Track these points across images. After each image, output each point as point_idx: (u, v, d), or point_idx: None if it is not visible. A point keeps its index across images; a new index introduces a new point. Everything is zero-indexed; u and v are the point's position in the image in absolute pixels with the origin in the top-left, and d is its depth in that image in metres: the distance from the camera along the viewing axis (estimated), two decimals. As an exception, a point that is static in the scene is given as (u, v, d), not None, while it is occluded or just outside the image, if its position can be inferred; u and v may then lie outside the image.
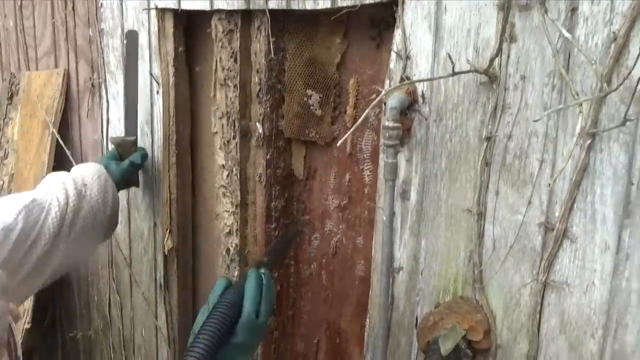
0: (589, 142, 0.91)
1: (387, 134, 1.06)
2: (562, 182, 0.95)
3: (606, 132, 0.90)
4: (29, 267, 1.16)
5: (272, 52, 1.32)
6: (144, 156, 1.55)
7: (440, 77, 1.01)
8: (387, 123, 1.05)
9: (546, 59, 0.95)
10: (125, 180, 1.53)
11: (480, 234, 1.06)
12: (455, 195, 1.09)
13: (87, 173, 1.37)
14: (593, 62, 0.85)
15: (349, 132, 0.92)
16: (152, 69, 1.57)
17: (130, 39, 1.53)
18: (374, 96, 1.27)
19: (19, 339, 0.77)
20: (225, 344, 0.92)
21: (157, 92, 1.57)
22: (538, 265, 1.00)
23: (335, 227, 1.43)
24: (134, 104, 1.54)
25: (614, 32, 0.87)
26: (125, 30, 1.59)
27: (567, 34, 0.87)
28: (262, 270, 1.06)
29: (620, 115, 0.88)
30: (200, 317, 0.98)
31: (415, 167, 1.13)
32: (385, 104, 1.10)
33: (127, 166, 1.51)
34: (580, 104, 0.79)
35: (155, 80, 1.56)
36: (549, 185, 0.92)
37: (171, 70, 1.54)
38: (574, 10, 0.91)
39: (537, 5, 0.93)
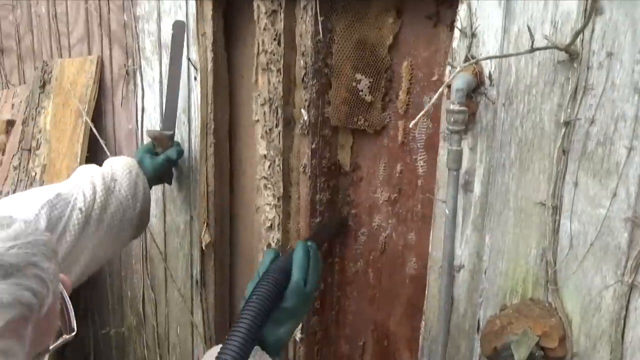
0: (689, 126, 0.80)
1: (452, 119, 0.96)
2: (654, 172, 0.84)
3: None
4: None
5: (320, 33, 1.23)
6: (180, 152, 1.48)
7: (515, 54, 0.91)
8: (452, 106, 0.95)
9: (638, 33, 0.83)
10: (159, 176, 1.47)
11: (555, 229, 0.96)
12: (526, 187, 0.98)
13: (118, 167, 1.31)
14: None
15: (420, 114, 0.82)
16: (189, 53, 1.49)
17: (177, 30, 1.45)
18: (434, 78, 1.17)
19: (71, 309, 0.74)
20: (276, 308, 0.93)
21: (195, 79, 1.49)
22: (623, 266, 0.89)
23: (385, 222, 1.33)
24: (175, 99, 1.47)
25: None
26: (172, 20, 1.50)
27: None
28: (309, 243, 1.05)
29: None
30: (250, 286, 0.97)
31: (480, 156, 1.03)
32: (449, 86, 1.00)
33: (162, 161, 1.44)
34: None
35: (193, 66, 1.48)
36: None
37: (209, 55, 1.46)
38: (673, -25, 0.79)
39: (630, -29, 0.82)
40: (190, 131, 1.55)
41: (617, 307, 0.90)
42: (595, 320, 0.93)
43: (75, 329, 0.74)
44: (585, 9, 0.86)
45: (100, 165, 1.33)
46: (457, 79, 0.96)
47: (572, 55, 0.89)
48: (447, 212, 1.01)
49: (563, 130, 0.92)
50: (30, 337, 0.63)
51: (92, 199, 1.19)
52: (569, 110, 0.91)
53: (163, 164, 1.43)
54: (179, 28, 1.44)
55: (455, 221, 1.02)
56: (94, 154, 1.81)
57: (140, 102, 1.68)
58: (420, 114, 0.81)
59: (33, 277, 0.63)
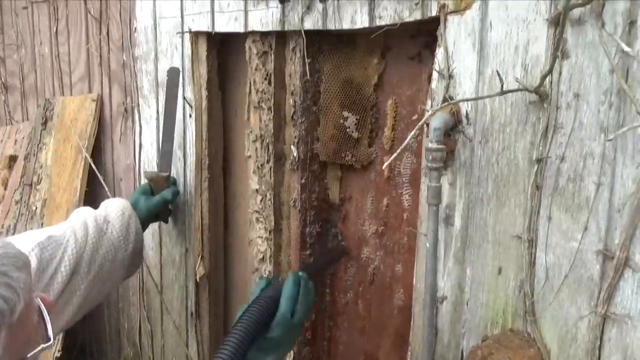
0: (652, 163, 0.85)
1: (430, 156, 1.00)
2: (621, 206, 0.88)
3: (671, 153, 0.83)
4: None
5: (308, 74, 1.29)
6: (176, 193, 1.53)
7: (488, 96, 0.96)
8: (430, 145, 1.00)
9: (602, 75, 0.89)
10: (154, 216, 1.51)
11: (531, 262, 0.99)
12: (503, 220, 1.02)
13: (112, 209, 1.36)
14: (657, 77, 0.79)
15: (394, 155, 0.86)
16: (185, 92, 1.55)
17: (172, 76, 1.52)
18: (415, 117, 1.22)
19: (48, 320, 0.80)
20: (260, 338, 0.96)
21: (190, 116, 1.55)
22: (596, 297, 0.92)
23: (373, 254, 1.37)
24: (170, 141, 1.52)
25: (678, 46, 0.81)
26: (168, 60, 1.57)
27: (627, 48, 0.81)
28: (301, 273, 1.08)
29: (687, 134, 0.82)
30: (240, 312, 1.01)
31: (460, 191, 1.08)
32: (427, 125, 1.05)
33: (157, 202, 1.49)
34: (648, 122, 0.73)
35: (189, 104, 1.54)
36: (619, 211, 0.85)
37: (204, 93, 1.52)
38: (632, 23, 0.85)
39: (592, 19, 0.88)
40: (185, 166, 1.60)
41: (592, 337, 0.93)
42: (572, 350, 0.96)
43: (52, 338, 0.78)
44: (552, 54, 0.92)
45: (98, 205, 1.37)
46: (435, 118, 1.01)
47: (542, 96, 0.94)
48: (428, 245, 1.05)
49: (536, 167, 0.96)
50: (4, 343, 0.68)
51: (84, 241, 1.23)
52: (540, 148, 0.96)
53: (158, 205, 1.48)
54: (174, 74, 1.50)
55: (436, 254, 1.06)
56: (92, 189, 1.86)
57: (138, 139, 1.74)
58: (393, 155, 0.86)
59: (2, 285, 0.68)
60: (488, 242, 1.05)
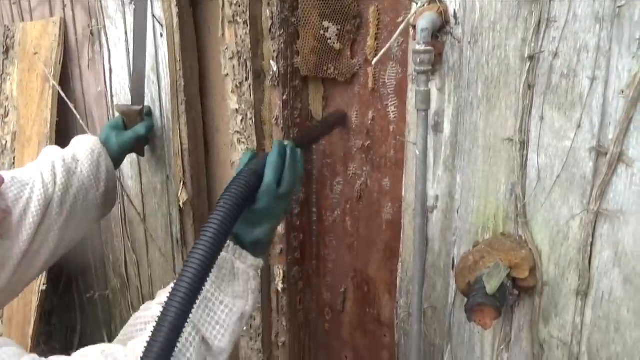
0: (649, 52, 0.82)
1: (418, 59, 0.96)
2: (615, 100, 0.86)
3: (669, 41, 0.80)
4: (24, 246, 1.11)
5: (284, -19, 1.21)
6: (149, 128, 1.47)
7: None
8: (418, 47, 0.95)
9: (598, -38, 0.84)
10: (128, 151, 1.45)
11: (523, 164, 0.98)
12: (494, 124, 1.00)
13: (81, 147, 1.30)
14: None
15: (381, 53, 0.82)
16: (153, 10, 1.46)
17: (140, 7, 1.42)
18: (400, 19, 1.16)
19: None
20: (246, 211, 0.92)
21: (161, 35, 1.47)
22: (589, 195, 0.91)
23: (359, 170, 1.34)
24: (142, 72, 1.44)
25: None
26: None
27: None
28: (286, 142, 1.02)
29: (686, 19, 0.78)
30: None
31: (448, 96, 1.04)
32: (414, 27, 1.00)
33: (130, 138, 1.42)
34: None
35: (159, 22, 1.45)
36: (622, 92, 0.82)
37: (174, 10, 1.43)
38: None
39: None
40: (160, 89, 1.53)
41: (584, 235, 0.93)
42: (564, 249, 0.96)
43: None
44: (546, -60, 0.86)
45: (71, 137, 1.32)
46: (422, 18, 0.96)
47: (534, -13, 0.89)
48: (417, 153, 1.02)
49: (528, 64, 0.93)
50: None
51: (52, 180, 1.18)
52: (532, 44, 0.92)
53: (131, 141, 1.42)
54: (142, 5, 1.40)
55: (426, 162, 1.03)
56: (63, 119, 1.78)
57: (108, 63, 1.65)
58: (381, 52, 0.81)
59: None
60: (478, 147, 1.03)
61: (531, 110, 0.95)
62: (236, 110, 1.38)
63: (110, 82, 1.66)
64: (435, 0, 0.99)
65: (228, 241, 0.92)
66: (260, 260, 0.96)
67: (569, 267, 0.96)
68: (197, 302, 0.80)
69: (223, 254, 0.91)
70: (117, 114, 1.48)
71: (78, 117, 1.69)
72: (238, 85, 1.36)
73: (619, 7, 0.82)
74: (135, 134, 1.43)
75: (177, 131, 1.52)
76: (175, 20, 1.44)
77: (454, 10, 0.99)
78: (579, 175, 0.92)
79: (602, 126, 0.88)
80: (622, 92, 0.83)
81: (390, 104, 1.25)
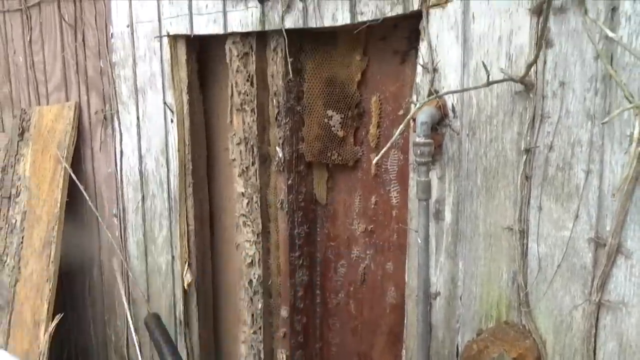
0: (640, 148, 0.85)
1: (418, 151, 1.00)
2: (610, 193, 0.88)
3: (658, 138, 0.83)
4: None
5: (290, 74, 1.27)
6: None
7: (474, 88, 0.95)
8: (418, 139, 0.99)
9: (586, 62, 0.89)
10: None
11: (523, 253, 0.99)
12: (493, 212, 1.02)
13: None
14: (643, 62, 0.79)
15: (382, 151, 0.85)
16: (165, 97, 1.52)
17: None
18: (401, 112, 1.21)
19: None
20: None
21: (172, 121, 1.52)
22: (590, 285, 0.92)
23: (363, 253, 1.36)
24: None
25: (661, 30, 0.81)
26: (147, 65, 1.53)
27: (611, 34, 0.81)
28: None
29: (673, 118, 0.82)
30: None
31: (449, 185, 1.07)
32: (414, 119, 1.04)
33: None
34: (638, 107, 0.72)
35: (169, 109, 1.51)
36: (614, 195, 0.84)
37: (185, 97, 1.49)
38: (614, 9, 0.85)
39: (574, 6, 0.88)
40: (169, 172, 1.57)
41: (587, 325, 0.93)
42: (568, 339, 0.96)
43: None
44: (537, 43, 0.91)
45: (83, 213, 1.33)
46: (422, 112, 1.01)
47: (527, 86, 0.93)
48: (419, 241, 1.04)
49: (524, 157, 0.96)
50: None
51: None
52: (528, 138, 0.95)
53: None
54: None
55: (428, 249, 1.05)
56: (73, 199, 1.82)
57: (119, 146, 1.70)
58: (382, 151, 0.85)
59: None
60: (479, 235, 1.04)
61: (529, 201, 0.97)
62: (242, 193, 1.42)
63: (121, 164, 1.71)
64: (434, 94, 1.04)
65: None
66: None
67: (574, 358, 0.95)
68: None
69: None
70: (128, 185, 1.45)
71: (88, 198, 1.72)
72: (245, 169, 1.40)
73: (603, 124, 0.86)
74: None
75: (184, 212, 1.55)
76: (186, 107, 1.50)
77: (452, 105, 1.03)
78: (579, 265, 0.93)
79: (599, 218, 0.90)
80: (614, 195, 0.86)
81: (392, 190, 1.28)
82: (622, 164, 0.87)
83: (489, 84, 0.90)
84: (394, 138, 0.87)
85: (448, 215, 1.08)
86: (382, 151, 0.86)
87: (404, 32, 1.19)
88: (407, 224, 1.13)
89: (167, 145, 1.56)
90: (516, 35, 0.95)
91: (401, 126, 0.88)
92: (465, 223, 1.06)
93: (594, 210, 0.90)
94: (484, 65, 0.89)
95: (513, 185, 0.99)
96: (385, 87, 1.25)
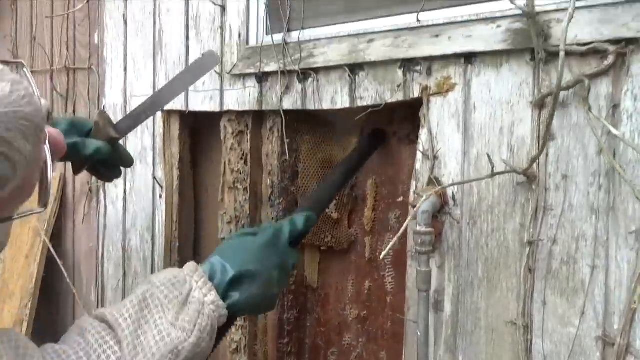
0: (646, 245, 0.83)
1: (419, 240, 0.97)
2: (617, 290, 0.86)
3: (665, 235, 0.82)
4: None
5: (287, 154, 1.26)
6: (104, 150, 1.03)
7: (477, 179, 0.94)
8: (418, 228, 0.97)
9: (589, 157, 0.89)
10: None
11: (528, 349, 0.95)
12: (496, 305, 0.98)
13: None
14: (649, 160, 0.79)
15: (387, 248, 0.82)
16: (155, 172, 1.50)
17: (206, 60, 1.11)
18: (400, 199, 1.20)
19: (50, 184, 0.64)
20: (250, 239, 0.86)
21: (160, 197, 1.49)
22: (599, 387, 0.88)
23: (355, 341, 1.30)
24: (155, 108, 1.14)
25: (663, 129, 0.82)
26: (137, 139, 1.52)
27: (615, 131, 0.82)
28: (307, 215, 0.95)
29: (679, 216, 0.81)
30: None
31: (449, 275, 1.04)
32: (413, 207, 1.02)
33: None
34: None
35: (159, 184, 1.48)
36: (634, 302, 0.82)
37: (175, 173, 1.47)
38: (615, 107, 0.86)
39: (576, 102, 0.89)
40: (153, 250, 1.52)
41: None
42: None
43: (47, 206, 0.65)
44: (539, 136, 0.92)
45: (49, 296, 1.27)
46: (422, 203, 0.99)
47: (530, 178, 0.93)
48: (418, 333, 0.99)
49: (527, 249, 0.94)
50: None
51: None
52: (531, 230, 0.93)
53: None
54: (210, 59, 1.10)
55: (427, 342, 1.00)
56: (50, 275, 1.74)
57: (103, 220, 1.65)
58: (387, 248, 0.82)
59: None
60: (481, 329, 1.00)
61: (533, 294, 0.94)
62: (230, 274, 1.36)
63: (103, 239, 1.65)
64: (434, 182, 1.03)
65: (194, 265, 0.81)
66: (224, 306, 0.78)
67: None
68: (133, 312, 0.73)
69: (181, 274, 0.79)
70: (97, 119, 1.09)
71: (66, 275, 1.65)
72: (234, 249, 1.35)
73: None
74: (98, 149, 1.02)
75: (167, 292, 1.48)
76: (176, 182, 1.47)
77: (453, 193, 1.02)
78: (587, 365, 0.89)
79: (606, 315, 0.87)
80: (635, 302, 0.83)
81: (387, 275, 1.24)
82: (628, 260, 0.85)
83: (493, 175, 0.89)
84: (398, 235, 0.85)
85: (448, 307, 1.04)
86: (386, 250, 0.84)
87: (403, 116, 1.19)
88: (405, 314, 1.09)
89: (153, 221, 1.52)
90: (518, 126, 0.95)
91: (408, 219, 0.86)
92: (466, 315, 1.02)
93: (600, 306, 0.88)
94: (489, 157, 0.88)
95: (516, 277, 0.96)
96: (381, 170, 1.24)
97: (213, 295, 0.77)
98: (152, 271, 1.52)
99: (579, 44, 0.88)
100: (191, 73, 1.11)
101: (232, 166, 1.35)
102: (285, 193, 1.29)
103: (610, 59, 0.85)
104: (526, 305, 0.95)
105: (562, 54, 0.74)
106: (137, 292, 0.77)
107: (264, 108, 1.27)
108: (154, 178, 1.49)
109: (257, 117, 1.32)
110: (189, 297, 0.76)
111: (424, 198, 0.88)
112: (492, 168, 0.88)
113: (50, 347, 0.69)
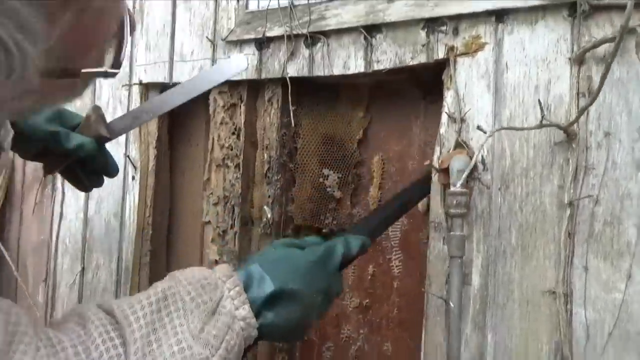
0: (698, 200, 0.80)
1: (454, 201, 0.90)
2: (667, 249, 0.82)
3: None
4: None
5: (292, 123, 1.16)
6: (91, 147, 0.90)
7: (527, 128, 0.88)
8: (453, 188, 0.90)
9: (633, 113, 0.86)
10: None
11: (568, 320, 0.88)
12: (531, 275, 0.92)
13: None
14: None
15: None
16: (128, 151, 1.34)
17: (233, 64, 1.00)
18: (427, 162, 1.12)
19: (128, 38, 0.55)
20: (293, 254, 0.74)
21: (133, 178, 1.33)
22: (649, 355, 0.82)
23: (355, 333, 1.19)
24: (157, 111, 1.01)
25: None
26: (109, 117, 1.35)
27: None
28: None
29: None
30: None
31: (477, 245, 0.96)
32: (441, 170, 0.95)
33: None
34: None
35: (132, 164, 1.33)
36: None
37: (152, 153, 1.33)
38: (659, 60, 0.84)
39: (618, 56, 0.86)
40: (121, 238, 1.35)
41: (649, 402, 0.82)
42: (625, 421, 0.84)
43: (120, 66, 0.54)
44: (578, 93, 0.88)
45: None
46: (456, 160, 0.92)
47: (570, 136, 0.88)
48: (451, 305, 0.91)
49: (567, 211, 0.88)
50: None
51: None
52: (571, 191, 0.88)
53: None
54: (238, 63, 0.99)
55: (461, 315, 0.92)
56: (-9, 271, 1.52)
57: (59, 208, 1.46)
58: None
59: None
60: (514, 301, 0.93)
61: (573, 260, 0.89)
62: (215, 261, 1.23)
63: (58, 230, 1.46)
64: (462, 145, 0.97)
65: (228, 269, 0.68)
66: (256, 326, 0.66)
67: None
68: (148, 311, 0.59)
69: (212, 275, 0.66)
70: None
71: (13, 267, 1.44)
72: (221, 233, 1.22)
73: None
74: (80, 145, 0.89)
75: (136, 286, 1.32)
76: (152, 163, 1.33)
77: (482, 156, 0.96)
78: (634, 332, 0.84)
79: (654, 277, 0.83)
80: None
81: (394, 258, 1.15)
82: (678, 217, 0.82)
83: (542, 126, 0.84)
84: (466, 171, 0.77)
85: (476, 280, 0.96)
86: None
87: (413, 88, 1.13)
88: (426, 290, 1.00)
89: (123, 206, 1.35)
90: (555, 84, 0.91)
91: (473, 159, 0.78)
92: (497, 288, 0.95)
93: (649, 268, 0.83)
94: (540, 104, 0.83)
95: (554, 243, 0.90)
96: (388, 147, 1.17)
97: (246, 310, 0.65)
98: (119, 264, 1.35)
99: (622, -3, 0.86)
100: (209, 76, 0.99)
101: (221, 142, 1.23)
102: (283, 169, 1.19)
103: (656, 12, 0.83)
104: (566, 272, 0.89)
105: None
106: (156, 287, 0.63)
107: (263, 77, 1.17)
108: (127, 157, 1.34)
109: (252, 89, 1.22)
110: (218, 306, 0.64)
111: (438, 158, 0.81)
112: (542, 117, 0.82)
113: (43, 333, 0.54)
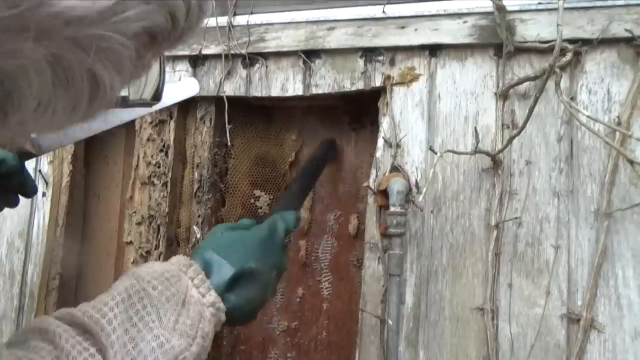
0: (605, 223, 0.90)
1: (394, 221, 0.94)
2: (580, 267, 0.91)
3: (619, 213, 0.90)
4: None
5: (219, 145, 1.15)
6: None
7: (463, 153, 0.94)
8: (393, 209, 0.94)
9: (550, 144, 0.95)
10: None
11: (494, 335, 0.95)
12: (461, 293, 0.97)
13: None
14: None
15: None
16: (39, 165, 1.25)
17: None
18: (365, 183, 1.15)
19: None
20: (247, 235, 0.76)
21: (44, 195, 1.24)
22: (565, 364, 0.90)
23: (282, 357, 1.18)
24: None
25: (617, 117, 0.92)
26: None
27: (585, 113, 0.89)
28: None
29: (631, 196, 0.90)
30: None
31: (411, 265, 1.01)
32: (377, 192, 0.99)
33: None
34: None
35: (45, 180, 1.24)
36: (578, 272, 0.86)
37: (67, 169, 1.24)
38: (572, 99, 0.95)
39: (537, 92, 0.96)
40: (26, 261, 1.24)
41: (567, 410, 0.89)
42: None
43: (161, 98, 0.53)
44: (502, 124, 0.97)
45: None
46: (395, 182, 0.97)
47: (496, 163, 0.96)
48: (390, 322, 0.93)
49: (494, 233, 0.96)
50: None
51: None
52: (497, 214, 0.96)
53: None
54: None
55: (399, 332, 0.95)
56: None
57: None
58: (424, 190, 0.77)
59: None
60: (445, 319, 0.98)
61: (499, 278, 0.96)
62: (136, 284, 1.16)
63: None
64: (397, 169, 1.01)
65: (186, 258, 0.69)
66: (224, 310, 0.66)
67: None
68: (118, 312, 0.57)
69: (172, 267, 0.66)
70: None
71: None
72: (144, 254, 1.16)
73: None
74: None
75: (42, 313, 1.21)
76: (66, 179, 1.24)
77: (416, 180, 1.01)
78: (553, 344, 0.91)
79: (569, 293, 0.91)
80: None
81: (323, 280, 1.17)
82: (589, 238, 0.91)
83: (476, 152, 0.90)
84: (423, 191, 0.81)
85: (409, 298, 1.00)
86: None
87: (344, 114, 1.17)
88: (361, 308, 1.02)
89: (29, 225, 1.25)
90: (482, 116, 0.99)
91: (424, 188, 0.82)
92: (429, 306, 0.99)
93: (564, 285, 0.92)
94: (475, 131, 0.90)
95: (482, 262, 0.97)
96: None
97: (213, 296, 0.65)
98: (21, 288, 1.23)
99: (540, 42, 0.96)
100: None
101: (147, 159, 1.19)
102: (214, 189, 1.17)
103: (569, 56, 0.95)
104: (493, 289, 0.95)
105: (559, 28, 0.80)
106: (117, 287, 0.61)
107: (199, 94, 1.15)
108: (39, 172, 1.24)
109: (182, 106, 1.19)
110: (186, 297, 0.64)
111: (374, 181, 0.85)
112: (477, 143, 0.89)
113: (12, 355, 0.49)
